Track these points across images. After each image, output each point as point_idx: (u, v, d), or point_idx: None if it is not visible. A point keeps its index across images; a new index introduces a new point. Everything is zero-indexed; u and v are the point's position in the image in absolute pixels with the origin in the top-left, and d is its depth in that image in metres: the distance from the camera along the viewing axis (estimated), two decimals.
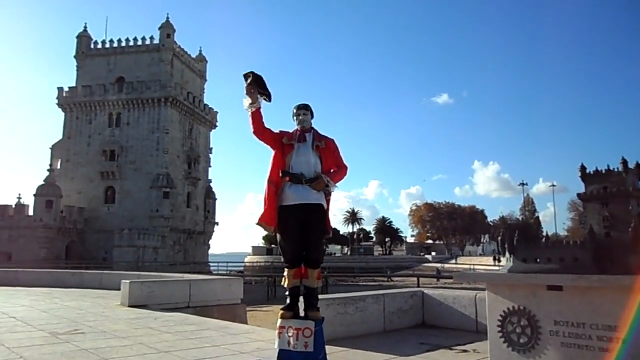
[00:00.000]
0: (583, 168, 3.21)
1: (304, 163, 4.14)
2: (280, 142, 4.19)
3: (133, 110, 50.25)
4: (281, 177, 4.13)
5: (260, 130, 4.18)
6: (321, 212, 4.16)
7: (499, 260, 57.99)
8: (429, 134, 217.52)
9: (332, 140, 4.33)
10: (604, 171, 3.15)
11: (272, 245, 77.52)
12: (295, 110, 4.28)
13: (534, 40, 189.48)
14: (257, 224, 4.17)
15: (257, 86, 4.13)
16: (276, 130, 4.24)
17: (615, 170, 3.12)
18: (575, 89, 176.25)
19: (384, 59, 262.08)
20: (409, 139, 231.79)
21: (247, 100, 4.15)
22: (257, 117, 4.15)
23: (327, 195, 4.21)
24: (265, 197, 4.16)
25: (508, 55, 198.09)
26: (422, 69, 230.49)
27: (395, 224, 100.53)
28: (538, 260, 3.16)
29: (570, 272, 2.96)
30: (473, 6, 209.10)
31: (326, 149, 4.23)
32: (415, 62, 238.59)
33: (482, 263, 60.43)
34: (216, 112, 60.47)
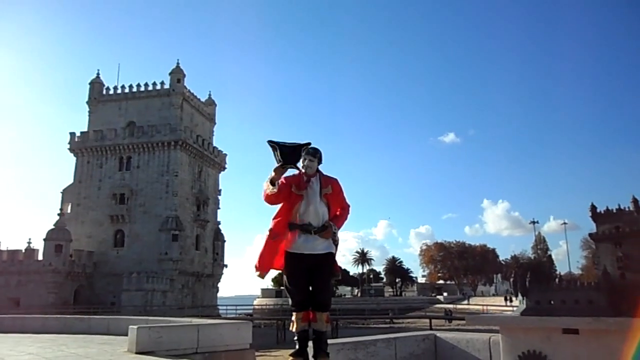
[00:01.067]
0: (593, 208, 3.19)
1: (313, 213, 4.16)
2: (289, 194, 4.19)
3: (143, 154, 50.92)
4: (290, 231, 4.18)
5: (277, 203, 4.23)
6: (329, 259, 4.18)
7: (511, 300, 56.67)
8: (437, 173, 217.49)
9: (336, 180, 4.36)
10: (615, 210, 3.13)
11: (281, 288, 76.65)
12: (302, 155, 4.28)
13: (541, 76, 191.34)
14: (258, 275, 4.24)
15: (288, 160, 4.15)
16: (283, 181, 4.22)
17: (627, 209, 3.09)
18: (584, 125, 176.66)
19: (390, 98, 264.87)
20: (417, 178, 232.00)
21: (272, 179, 4.13)
22: (277, 195, 4.16)
23: (335, 241, 4.24)
24: (264, 248, 4.22)
25: (514, 93, 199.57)
26: (428, 108, 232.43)
27: (406, 264, 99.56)
28: (552, 302, 3.09)
29: (585, 315, 2.88)
30: (478, 43, 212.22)
31: (333, 194, 4.26)
32: (421, 101, 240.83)
33: (495, 303, 59.17)
34: (225, 155, 61.20)
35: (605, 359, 2.85)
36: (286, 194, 4.17)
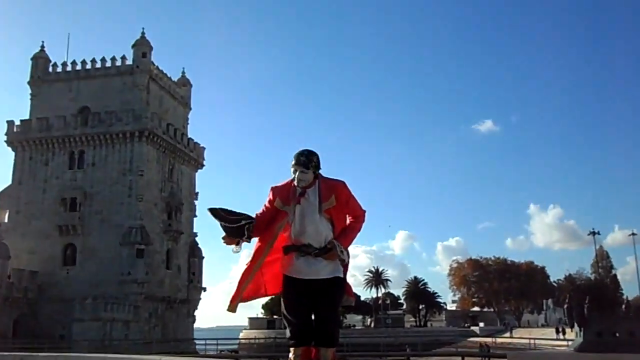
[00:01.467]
0: None
1: (313, 233, 4.12)
2: (275, 212, 4.24)
3: (100, 148, 51.14)
4: (285, 254, 4.20)
5: (265, 241, 4.33)
6: (337, 283, 4.15)
7: (564, 332, 56.57)
8: (470, 171, 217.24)
9: (342, 185, 4.18)
10: None
11: (274, 317, 76.89)
12: (292, 162, 4.12)
13: (603, 50, 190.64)
14: (228, 309, 4.38)
15: (232, 232, 4.21)
16: (269, 198, 4.27)
17: None
18: None
19: (409, 78, 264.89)
20: (445, 178, 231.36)
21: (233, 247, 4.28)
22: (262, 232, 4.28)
23: (343, 262, 4.15)
24: (240, 279, 4.35)
25: (570, 71, 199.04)
26: (458, 89, 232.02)
27: (432, 287, 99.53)
28: (617, 334, 3.12)
29: None
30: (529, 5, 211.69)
31: (337, 207, 4.14)
32: (449, 81, 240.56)
33: (544, 336, 59.09)
34: (203, 148, 61.52)
35: None
36: (270, 216, 4.25)
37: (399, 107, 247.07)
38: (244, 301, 4.42)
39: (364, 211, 4.28)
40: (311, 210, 4.10)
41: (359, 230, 4.28)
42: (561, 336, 54.96)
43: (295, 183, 4.11)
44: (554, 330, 62.85)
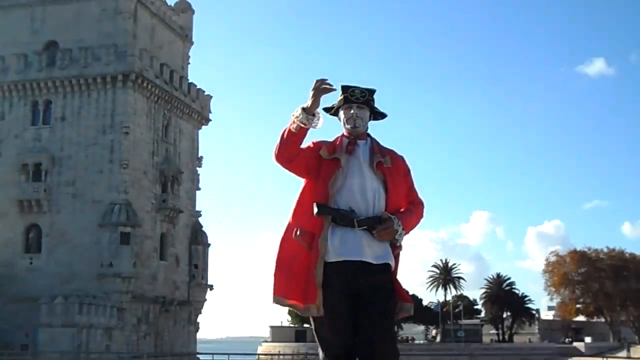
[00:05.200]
0: None
1: (357, 190, 4.09)
2: (317, 162, 4.16)
3: (71, 97, 51.56)
4: (316, 216, 4.03)
5: (294, 155, 4.11)
6: (387, 278, 4.13)
7: None
8: (574, 130, 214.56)
9: (402, 158, 4.34)
10: None
11: (305, 326, 77.62)
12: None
13: None
14: (275, 301, 4.15)
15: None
16: (310, 144, 4.20)
17: None
18: None
19: (492, 6, 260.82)
20: (539, 141, 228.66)
21: (304, 110, 3.99)
22: (298, 137, 4.05)
23: (395, 249, 4.18)
24: (280, 255, 4.17)
25: None
26: (559, 21, 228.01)
27: (520, 288, 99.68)
28: None
29: None
30: None
31: (394, 170, 4.19)
32: (547, 11, 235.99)
33: None
34: (209, 97, 61.82)
35: None
36: (311, 160, 4.16)
37: (475, 46, 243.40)
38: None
39: (423, 202, 4.38)
40: (359, 165, 4.14)
41: (419, 220, 4.34)
42: None
43: (347, 125, 4.26)
44: None
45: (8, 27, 54.12)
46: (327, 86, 3.98)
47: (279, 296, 4.09)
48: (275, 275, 4.11)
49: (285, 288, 4.08)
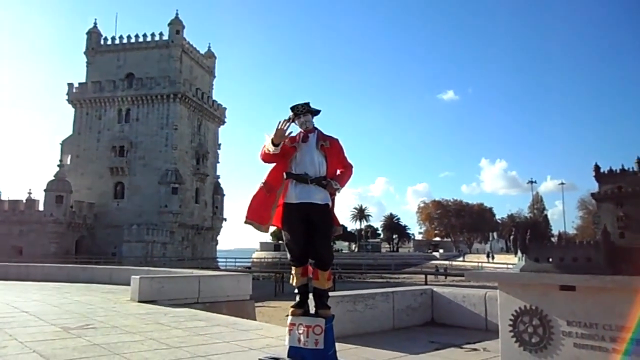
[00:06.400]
0: (597, 168, 3.18)
1: (309, 163, 4.12)
2: (286, 150, 4.15)
3: (142, 106, 50.47)
4: (285, 179, 4.14)
5: (273, 162, 4.20)
6: (327, 211, 4.14)
7: (493, 258, 59.40)
8: (435, 131, 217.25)
9: (337, 140, 4.30)
10: (618, 171, 3.12)
11: (280, 242, 77.64)
12: (292, 115, 4.18)
13: (541, 34, 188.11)
14: (245, 222, 4.16)
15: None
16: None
17: (630, 170, 3.09)
18: (583, 84, 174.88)
19: (388, 55, 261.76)
20: (415, 135, 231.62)
21: (275, 138, 4.03)
22: (274, 155, 4.12)
23: (332, 195, 4.19)
24: (254, 196, 4.17)
25: (514, 50, 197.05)
26: (427, 65, 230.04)
27: (403, 221, 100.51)
28: (550, 259, 3.13)
29: (583, 273, 2.93)
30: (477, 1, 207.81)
31: (331, 148, 4.20)
32: (420, 58, 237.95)
33: (479, 260, 61.30)
34: (225, 109, 60.68)
35: (600, 314, 2.93)
36: (283, 151, 4.13)
37: (381, 79, 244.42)
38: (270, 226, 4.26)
39: (352, 165, 4.37)
40: (309, 147, 4.16)
41: (350, 177, 4.34)
42: (490, 260, 58.98)
43: (300, 127, 4.20)
44: (485, 255, 65.28)
45: (104, 63, 52.67)
46: (284, 127, 4.03)
47: (250, 219, 4.13)
48: (248, 208, 4.15)
49: (252, 215, 4.14)
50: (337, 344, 4.14)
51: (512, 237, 3.42)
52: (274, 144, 4.05)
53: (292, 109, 4.19)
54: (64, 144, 51.75)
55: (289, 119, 4.16)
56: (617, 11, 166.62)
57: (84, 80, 52.62)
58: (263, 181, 4.20)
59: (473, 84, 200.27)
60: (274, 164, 4.23)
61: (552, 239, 3.37)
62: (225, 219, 58.91)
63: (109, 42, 53.64)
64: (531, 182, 78.25)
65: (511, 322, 3.25)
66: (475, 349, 4.68)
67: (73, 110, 52.21)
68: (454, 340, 5.07)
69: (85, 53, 53.56)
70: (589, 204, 59.29)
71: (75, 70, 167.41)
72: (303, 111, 4.18)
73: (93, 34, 53.60)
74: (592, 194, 3.19)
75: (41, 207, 44.59)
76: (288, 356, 3.90)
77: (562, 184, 79.52)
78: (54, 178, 45.10)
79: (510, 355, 3.25)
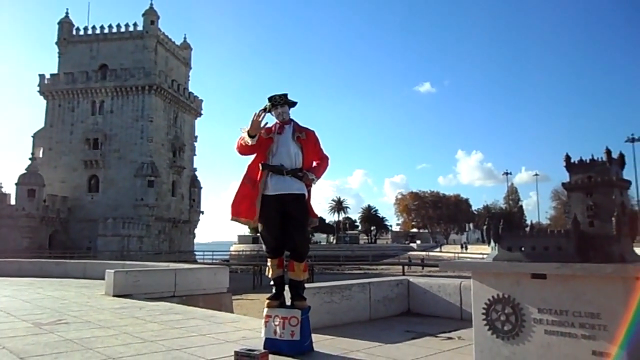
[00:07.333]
0: (568, 158, 3.23)
1: (285, 154, 4.11)
2: (262, 142, 4.13)
3: (117, 98, 49.63)
4: (261, 171, 4.11)
5: (250, 153, 4.19)
6: (303, 202, 4.13)
7: (466, 248, 60.75)
8: (412, 123, 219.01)
9: (313, 132, 4.29)
10: (588, 161, 3.18)
11: (258, 234, 77.26)
12: (270, 104, 4.18)
13: (515, 27, 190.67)
14: (232, 219, 4.16)
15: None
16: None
17: (600, 160, 3.14)
18: (558, 77, 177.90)
19: (365, 47, 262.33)
20: (392, 128, 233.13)
21: (251, 130, 4.03)
22: (251, 147, 4.12)
23: (309, 186, 4.18)
24: (238, 192, 4.16)
25: (490, 43, 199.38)
26: (403, 58, 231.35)
27: (381, 213, 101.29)
28: (523, 248, 3.18)
29: (554, 261, 2.98)
30: None
31: (307, 140, 4.20)
32: (397, 50, 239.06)
33: (455, 251, 62.51)
34: (201, 100, 60.04)
35: (569, 301, 2.98)
36: (259, 142, 4.11)
37: (358, 72, 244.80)
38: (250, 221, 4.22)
39: (328, 156, 4.37)
40: (286, 138, 4.15)
41: (326, 168, 4.34)
42: (464, 251, 60.63)
43: (277, 117, 4.20)
44: (459, 246, 66.62)
45: (76, 54, 51.57)
46: (259, 118, 4.04)
47: (235, 216, 4.14)
48: (232, 204, 4.16)
49: (238, 211, 4.14)
50: (313, 335, 4.15)
51: (485, 227, 3.46)
52: (250, 136, 4.04)
53: (270, 99, 4.18)
54: (36, 136, 50.66)
55: (265, 108, 4.15)
56: (590, 5, 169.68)
57: (56, 71, 51.48)
58: (244, 176, 4.18)
59: (449, 76, 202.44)
60: (252, 157, 4.22)
61: (526, 229, 3.43)
62: (202, 212, 58.52)
63: (82, 32, 52.53)
64: (506, 173, 79.72)
65: (484, 311, 3.29)
66: (450, 338, 4.74)
67: (45, 102, 51.10)
68: (430, 329, 5.13)
69: (57, 43, 52.32)
70: (562, 195, 60.55)
71: (46, 61, 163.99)
72: (280, 102, 4.17)
73: (65, 24, 52.38)
74: (563, 184, 3.24)
75: (13, 201, 43.71)
76: (264, 348, 3.90)
77: (537, 175, 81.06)
78: (25, 171, 44.24)
79: (483, 343, 3.29)
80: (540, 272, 3.05)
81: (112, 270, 9.08)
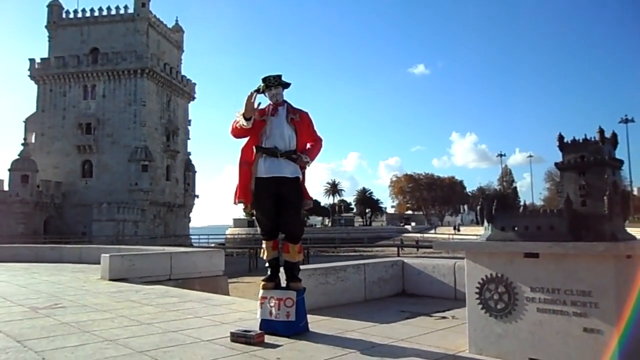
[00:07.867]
0: (561, 137, 3.24)
1: (278, 136, 4.08)
2: (256, 124, 4.10)
3: (109, 82, 49.11)
4: (255, 153, 4.11)
5: (243, 136, 4.18)
6: (297, 185, 4.12)
7: (459, 230, 61.19)
8: (406, 105, 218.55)
9: (307, 113, 4.26)
10: (581, 141, 3.19)
11: (253, 218, 77.39)
12: (264, 85, 4.16)
13: (510, 9, 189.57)
14: (237, 202, 4.17)
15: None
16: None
17: (592, 139, 3.15)
18: (552, 59, 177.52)
19: (359, 29, 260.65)
20: (387, 110, 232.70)
21: (246, 112, 4.02)
22: (246, 130, 4.10)
23: (303, 168, 4.18)
24: (239, 177, 4.16)
25: (484, 24, 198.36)
26: (398, 39, 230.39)
27: (376, 195, 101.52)
28: (516, 228, 3.21)
29: (546, 240, 3.01)
30: None
31: (301, 122, 4.17)
32: (391, 32, 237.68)
33: (447, 232, 63.01)
34: (194, 84, 59.49)
35: (561, 280, 3.02)
36: (253, 125, 4.08)
37: (352, 54, 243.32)
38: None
39: (321, 138, 4.35)
40: (279, 120, 4.12)
41: (319, 150, 4.32)
42: (457, 232, 61.52)
43: (270, 99, 4.18)
44: (452, 228, 67.11)
45: (67, 38, 50.77)
46: (252, 99, 4.02)
47: (242, 199, 4.15)
48: (238, 189, 4.16)
49: (244, 195, 4.13)
50: (308, 316, 4.19)
51: (479, 207, 3.48)
52: (245, 118, 4.02)
53: (264, 80, 4.16)
54: (28, 121, 50.20)
55: (257, 89, 4.13)
56: None
57: (46, 56, 50.84)
58: (240, 160, 4.17)
59: (443, 57, 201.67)
60: (245, 140, 4.20)
61: (520, 210, 3.45)
62: (197, 196, 58.37)
63: (72, 15, 51.67)
64: (500, 155, 79.63)
65: (477, 290, 3.33)
66: (444, 317, 4.79)
67: (36, 86, 50.52)
68: (424, 309, 5.19)
69: (46, 27, 51.51)
70: (556, 176, 60.73)
71: (36, 45, 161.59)
72: (275, 83, 4.15)
73: (54, 7, 51.52)
74: (556, 164, 3.25)
75: (6, 187, 43.46)
76: (260, 329, 3.93)
77: (530, 156, 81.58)
78: (18, 157, 43.93)
79: (477, 322, 3.33)
80: (533, 251, 3.08)
81: (108, 255, 9.09)
